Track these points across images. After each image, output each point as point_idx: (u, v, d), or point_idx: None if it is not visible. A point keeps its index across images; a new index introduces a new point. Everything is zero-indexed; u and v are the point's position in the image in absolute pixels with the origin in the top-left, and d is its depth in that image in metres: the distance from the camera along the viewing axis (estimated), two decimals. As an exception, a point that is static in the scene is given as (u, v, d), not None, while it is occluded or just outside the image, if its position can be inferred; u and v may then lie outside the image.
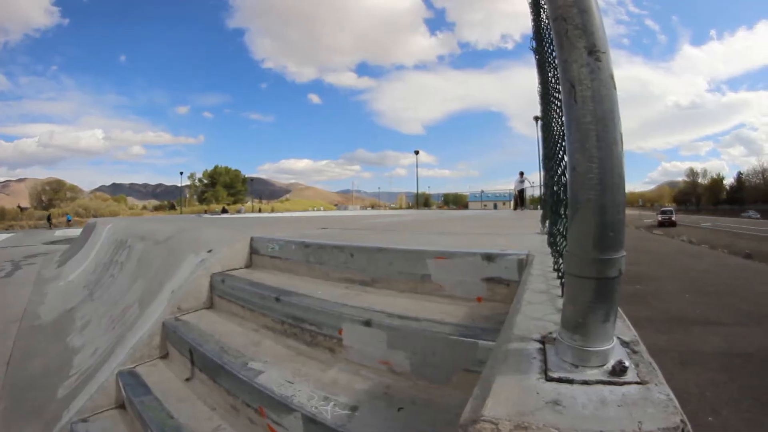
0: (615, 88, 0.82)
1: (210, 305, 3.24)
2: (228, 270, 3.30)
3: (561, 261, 1.53)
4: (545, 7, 2.60)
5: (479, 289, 2.09)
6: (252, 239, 3.51)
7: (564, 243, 1.48)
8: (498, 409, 0.75)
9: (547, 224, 3.42)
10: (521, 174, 19.39)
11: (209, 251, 3.55)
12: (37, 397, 3.81)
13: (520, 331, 1.10)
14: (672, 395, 0.77)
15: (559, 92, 1.66)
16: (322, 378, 1.86)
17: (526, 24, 3.16)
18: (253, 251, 3.49)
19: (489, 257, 2.09)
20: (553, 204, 2.58)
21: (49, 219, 54.12)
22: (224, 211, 62.44)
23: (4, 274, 12.41)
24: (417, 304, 2.04)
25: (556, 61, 0.92)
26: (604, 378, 0.85)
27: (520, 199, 19.90)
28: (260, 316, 2.62)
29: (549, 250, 2.29)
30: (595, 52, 0.82)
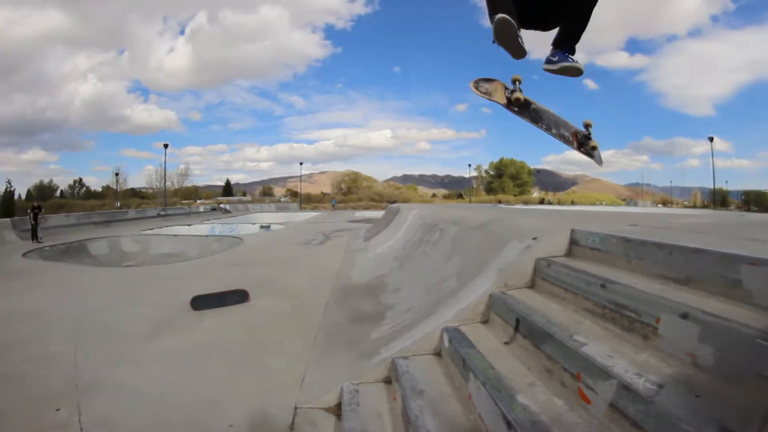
0: None
1: (531, 285, 3.91)
2: (550, 256, 3.89)
3: None
4: None
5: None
6: (572, 231, 4.01)
7: None
8: None
9: None
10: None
11: (534, 238, 4.20)
12: (351, 334, 5.06)
13: None
14: None
15: None
16: (635, 359, 2.24)
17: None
18: (572, 242, 3.98)
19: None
20: None
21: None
22: (542, 201, 64.78)
23: (318, 243, 15.76)
24: (725, 306, 2.18)
25: None
26: None
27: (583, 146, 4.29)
28: (582, 300, 3.12)
29: None
30: None
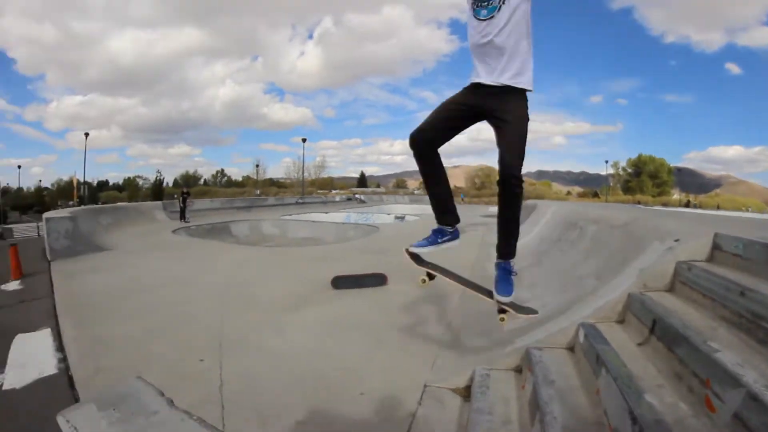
0: None
1: (670, 288, 3.87)
2: (691, 260, 3.82)
3: None
4: None
5: None
6: (716, 235, 3.87)
7: None
8: None
9: None
10: None
11: (676, 240, 4.12)
12: (485, 323, 5.27)
13: None
14: None
15: None
16: (766, 371, 2.25)
17: None
18: (714, 246, 3.84)
19: None
20: None
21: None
22: (687, 204, 61.54)
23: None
24: None
25: None
26: None
27: None
28: (719, 307, 3.09)
29: None
30: None
